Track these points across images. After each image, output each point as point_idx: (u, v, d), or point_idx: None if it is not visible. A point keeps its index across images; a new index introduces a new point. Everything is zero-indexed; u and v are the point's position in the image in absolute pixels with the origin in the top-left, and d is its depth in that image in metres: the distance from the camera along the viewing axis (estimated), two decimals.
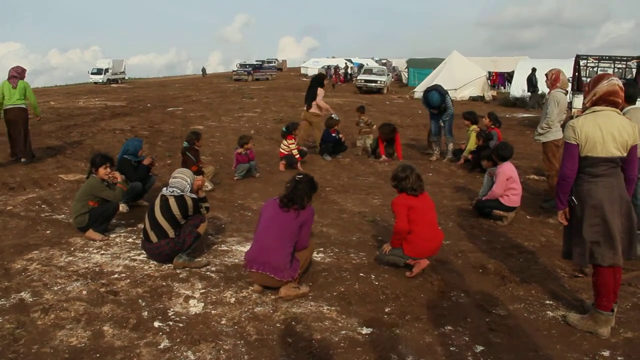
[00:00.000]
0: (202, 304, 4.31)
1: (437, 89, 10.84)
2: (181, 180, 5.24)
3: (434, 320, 4.13)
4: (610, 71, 16.80)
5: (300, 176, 4.67)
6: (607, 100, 3.79)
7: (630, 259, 3.93)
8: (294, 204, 4.47)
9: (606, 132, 3.72)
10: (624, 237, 3.83)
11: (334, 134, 11.25)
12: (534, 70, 22.94)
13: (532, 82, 23.28)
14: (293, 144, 10.01)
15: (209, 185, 8.06)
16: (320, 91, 11.34)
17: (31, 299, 4.31)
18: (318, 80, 11.73)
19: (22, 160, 9.82)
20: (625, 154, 3.78)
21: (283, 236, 4.43)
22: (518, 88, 26.39)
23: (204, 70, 62.86)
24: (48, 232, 6.05)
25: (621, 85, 3.83)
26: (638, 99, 5.84)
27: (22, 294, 4.41)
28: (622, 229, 3.81)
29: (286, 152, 10.03)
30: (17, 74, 9.68)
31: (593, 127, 3.75)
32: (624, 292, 4.65)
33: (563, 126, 5.35)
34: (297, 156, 9.97)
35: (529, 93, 23.85)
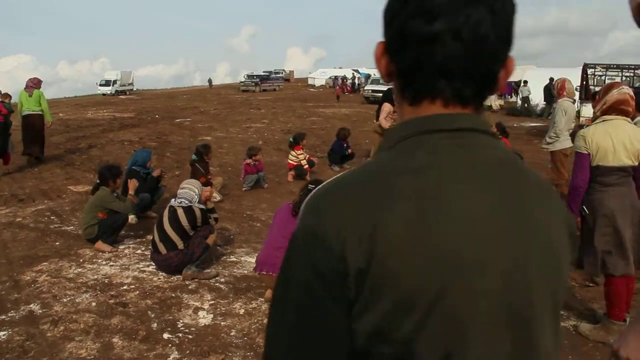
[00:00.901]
0: (212, 316, 4.30)
1: None
2: (189, 191, 5.25)
3: None
4: (617, 79, 16.75)
5: (312, 186, 4.67)
6: (617, 109, 3.76)
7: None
8: None
9: (617, 141, 3.69)
10: (635, 247, 3.79)
11: (345, 145, 11.27)
12: (551, 80, 23.08)
13: (550, 91, 23.45)
14: (302, 154, 10.02)
15: (217, 196, 8.07)
16: (385, 106, 10.72)
17: (40, 311, 4.32)
18: (387, 95, 11.55)
19: (34, 157, 10.84)
20: (636, 163, 3.76)
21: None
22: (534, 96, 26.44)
23: (210, 81, 63.17)
24: (57, 243, 6.07)
25: (632, 94, 3.81)
26: None
27: (31, 305, 4.42)
28: (634, 239, 3.78)
29: (295, 163, 10.04)
30: (33, 85, 10.69)
31: (604, 136, 3.72)
32: (636, 301, 4.60)
33: (572, 135, 5.33)
34: (306, 167, 9.97)
35: (544, 102, 24.10)
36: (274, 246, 4.45)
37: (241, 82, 48.97)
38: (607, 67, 18.75)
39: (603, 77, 18.17)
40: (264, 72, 54.46)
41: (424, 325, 0.77)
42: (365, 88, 36.24)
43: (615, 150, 3.69)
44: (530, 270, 0.82)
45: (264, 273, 4.47)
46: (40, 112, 10.65)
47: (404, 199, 0.79)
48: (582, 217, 3.91)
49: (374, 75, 45.23)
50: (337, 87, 40.58)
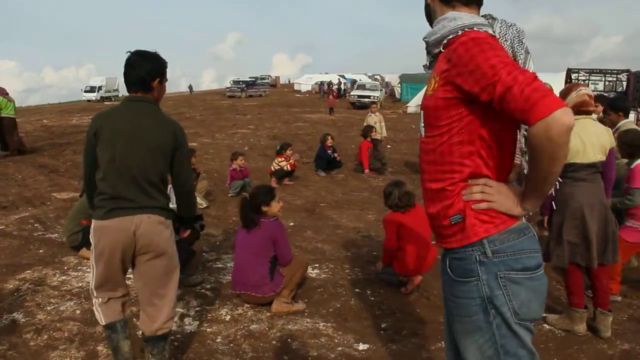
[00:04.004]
0: (197, 322, 4.28)
1: None
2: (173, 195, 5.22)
3: (430, 335, 4.11)
4: (600, 84, 16.97)
5: (248, 197, 4.71)
6: (579, 110, 3.90)
7: (603, 264, 4.01)
8: (247, 224, 4.53)
9: (586, 140, 3.89)
10: (600, 242, 3.98)
11: (329, 151, 11.29)
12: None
13: None
14: (283, 161, 10.08)
15: (203, 203, 8.04)
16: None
17: (24, 320, 4.26)
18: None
19: (15, 152, 12.69)
20: (604, 158, 3.99)
21: (254, 253, 4.43)
22: None
23: (190, 87, 62.29)
24: (41, 251, 6.00)
25: (590, 93, 4.02)
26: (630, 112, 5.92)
27: (14, 314, 4.36)
28: (598, 234, 3.96)
29: (275, 169, 10.17)
30: (7, 92, 12.65)
31: (573, 136, 3.81)
32: (619, 303, 4.65)
33: None
34: (286, 167, 10.08)
35: None
36: (240, 265, 4.53)
37: (227, 88, 48.83)
38: (590, 72, 18.93)
39: (587, 82, 18.37)
40: (250, 78, 54.28)
41: (111, 149, 3.04)
42: (352, 93, 36.33)
43: (584, 149, 3.88)
44: (139, 138, 3.05)
45: (237, 292, 4.59)
46: (14, 115, 12.71)
47: (110, 113, 3.17)
48: (551, 211, 4.11)
49: (360, 80, 45.47)
50: (329, 98, 33.94)
